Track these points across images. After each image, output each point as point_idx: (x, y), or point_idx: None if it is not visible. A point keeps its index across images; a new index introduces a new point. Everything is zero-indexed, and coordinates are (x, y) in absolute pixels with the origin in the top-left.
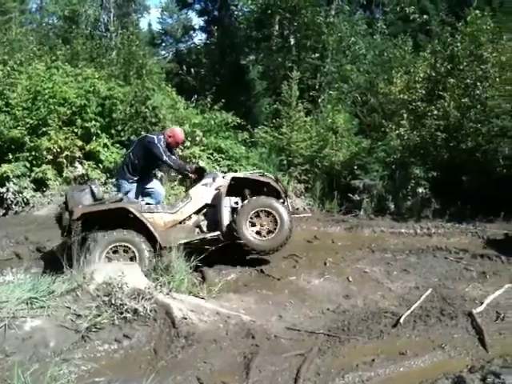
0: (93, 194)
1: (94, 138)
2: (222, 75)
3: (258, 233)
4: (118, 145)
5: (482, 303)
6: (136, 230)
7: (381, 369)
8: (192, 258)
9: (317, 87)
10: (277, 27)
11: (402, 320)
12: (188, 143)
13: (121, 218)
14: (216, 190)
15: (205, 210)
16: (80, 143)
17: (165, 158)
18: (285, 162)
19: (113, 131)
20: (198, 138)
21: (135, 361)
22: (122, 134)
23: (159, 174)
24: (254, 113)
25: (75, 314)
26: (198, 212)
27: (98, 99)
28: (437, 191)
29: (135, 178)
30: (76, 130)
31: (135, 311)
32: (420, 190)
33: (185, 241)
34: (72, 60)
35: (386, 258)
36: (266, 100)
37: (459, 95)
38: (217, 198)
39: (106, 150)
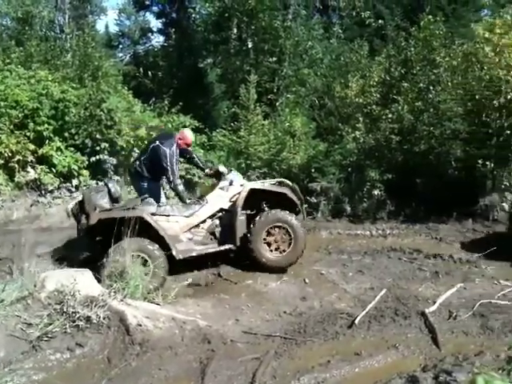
0: (109, 193)
1: (47, 141)
2: (180, 78)
3: (272, 248)
4: (71, 148)
5: (434, 303)
6: (152, 237)
7: (336, 370)
8: (147, 264)
9: (275, 91)
10: (235, 30)
11: (357, 321)
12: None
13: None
14: (233, 196)
15: (219, 214)
16: (32, 147)
17: (172, 179)
18: (243, 165)
19: (66, 134)
20: None
21: (88, 370)
22: (76, 137)
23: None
24: (213, 116)
25: (26, 322)
26: (212, 216)
27: (51, 102)
28: (392, 193)
29: (154, 178)
30: (28, 134)
31: (88, 319)
32: (375, 192)
33: (199, 254)
34: (26, 62)
35: (342, 259)
36: (225, 103)
37: (413, 99)
38: (233, 207)
39: (59, 153)
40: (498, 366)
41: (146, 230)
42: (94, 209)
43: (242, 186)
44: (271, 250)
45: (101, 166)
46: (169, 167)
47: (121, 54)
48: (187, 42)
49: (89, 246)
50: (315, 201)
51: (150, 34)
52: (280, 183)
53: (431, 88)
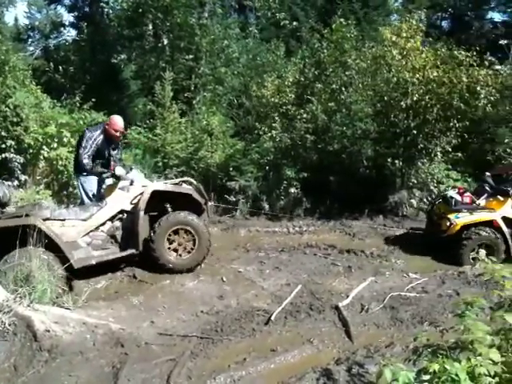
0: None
1: None
2: (93, 73)
3: (176, 251)
4: None
5: (347, 296)
6: (47, 246)
7: (252, 367)
8: (56, 266)
9: (192, 89)
10: (150, 26)
11: (273, 317)
12: (55, 144)
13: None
14: (134, 198)
15: (120, 216)
16: None
17: (80, 158)
18: (160, 163)
19: None
20: (65, 139)
21: None
22: None
23: None
24: (128, 113)
25: None
26: (112, 218)
27: None
28: (307, 191)
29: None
30: None
31: None
32: (292, 190)
33: (99, 261)
34: None
35: (260, 256)
36: (141, 100)
37: (326, 99)
38: (134, 209)
39: None
40: (406, 357)
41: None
42: None
43: (144, 186)
44: (176, 254)
45: (7, 165)
46: (81, 148)
47: (31, 48)
48: (100, 36)
49: None
50: (233, 199)
51: (61, 28)
52: (184, 182)
53: (343, 89)
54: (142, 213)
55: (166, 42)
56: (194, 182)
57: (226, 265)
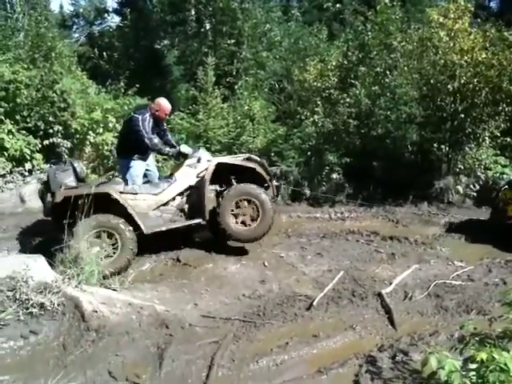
0: (75, 172)
1: None
2: (137, 59)
3: (241, 221)
4: (24, 131)
5: (390, 284)
6: (120, 214)
7: (294, 351)
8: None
9: (233, 73)
10: (192, 12)
11: (315, 303)
12: (100, 129)
13: (106, 201)
14: (201, 172)
15: (188, 191)
16: None
17: (146, 140)
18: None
19: (18, 117)
20: (110, 125)
21: (43, 357)
22: (28, 119)
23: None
24: (171, 98)
25: None
26: (181, 194)
27: (1, 83)
28: (350, 177)
29: (126, 152)
30: None
31: (42, 306)
32: (334, 175)
33: (168, 228)
34: None
35: (302, 242)
36: (183, 86)
37: (370, 83)
38: (200, 182)
39: (11, 137)
40: (451, 346)
41: (113, 209)
42: (59, 187)
43: (209, 161)
44: (238, 223)
45: (54, 150)
46: (141, 128)
47: (76, 35)
48: (143, 22)
49: (43, 232)
50: (276, 184)
51: (105, 15)
52: (248, 159)
53: (388, 72)
54: (207, 183)
55: (208, 27)
56: (258, 159)
57: (267, 250)
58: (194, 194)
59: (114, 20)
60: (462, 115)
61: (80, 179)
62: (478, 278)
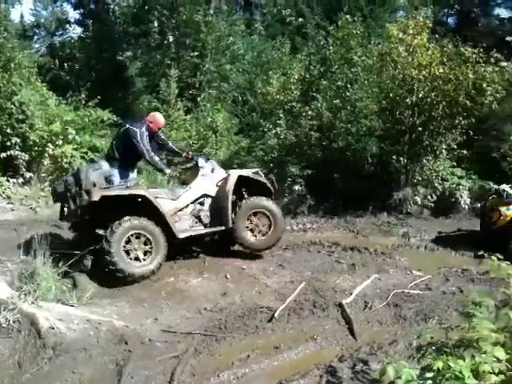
0: (103, 174)
1: None
2: (99, 71)
3: (253, 231)
4: None
5: (351, 294)
6: (149, 217)
7: (256, 364)
8: (60, 264)
9: (197, 86)
10: (155, 24)
11: (276, 314)
12: (60, 141)
13: (135, 204)
14: (219, 182)
15: (201, 199)
16: None
17: (147, 158)
18: (165, 160)
19: None
20: (70, 136)
21: None
22: None
23: None
24: (133, 110)
25: None
26: (194, 201)
27: None
28: (312, 188)
29: (126, 161)
30: None
31: None
32: (296, 187)
33: (197, 234)
34: None
35: (264, 254)
36: (146, 97)
37: (331, 96)
38: (221, 192)
39: None
40: (409, 354)
41: (142, 212)
42: (93, 185)
43: (227, 173)
44: (252, 235)
45: (12, 162)
46: (140, 144)
47: (37, 45)
48: (106, 34)
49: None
50: None
51: (67, 25)
52: (256, 173)
53: (348, 86)
54: (231, 193)
55: (171, 39)
56: (262, 175)
57: (229, 262)
58: (211, 202)
59: (75, 31)
60: (420, 128)
61: (108, 181)
62: (436, 287)
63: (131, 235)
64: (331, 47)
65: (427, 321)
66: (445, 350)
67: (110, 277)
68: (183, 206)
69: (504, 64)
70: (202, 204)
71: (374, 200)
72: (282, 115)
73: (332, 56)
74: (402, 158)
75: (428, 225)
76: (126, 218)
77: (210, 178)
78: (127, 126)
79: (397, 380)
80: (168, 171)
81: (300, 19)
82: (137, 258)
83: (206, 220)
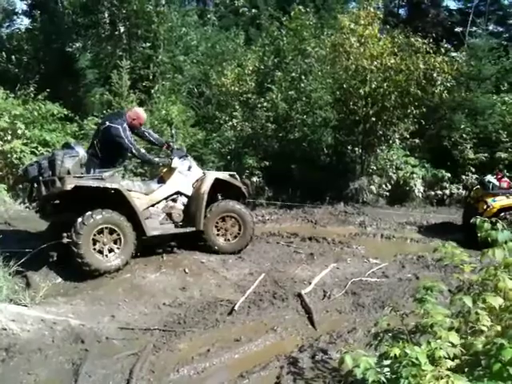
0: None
1: None
2: (48, 63)
3: (223, 234)
4: None
5: (310, 284)
6: (120, 211)
7: (216, 358)
8: (11, 263)
9: (150, 77)
10: (106, 14)
11: (236, 307)
12: (9, 137)
13: (106, 196)
14: (195, 182)
15: (174, 196)
16: None
17: (134, 151)
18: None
19: None
20: (19, 131)
21: None
22: None
23: None
24: (85, 103)
25: None
26: (167, 198)
27: None
28: (270, 180)
29: (109, 159)
30: None
31: None
32: (254, 179)
33: (165, 233)
34: None
35: None
36: (98, 90)
37: (286, 88)
38: (197, 192)
39: None
40: (368, 342)
41: (113, 205)
42: (67, 173)
43: (203, 173)
44: (222, 238)
45: None
46: (125, 140)
47: None
48: (54, 25)
49: None
50: None
51: (14, 17)
52: (232, 176)
53: (303, 77)
54: (206, 196)
55: (122, 29)
56: (238, 178)
57: (188, 256)
58: (184, 201)
59: (23, 22)
60: (374, 118)
61: (82, 166)
62: (392, 274)
63: (101, 229)
64: (285, 38)
65: (384, 308)
66: (401, 336)
67: (70, 272)
68: (156, 201)
69: (453, 54)
70: (174, 201)
71: (331, 190)
72: (237, 107)
73: (286, 47)
74: (356, 148)
75: (383, 213)
76: (98, 210)
77: (185, 176)
78: (107, 123)
79: (355, 368)
80: (157, 160)
81: (254, 10)
82: (104, 252)
83: (178, 218)
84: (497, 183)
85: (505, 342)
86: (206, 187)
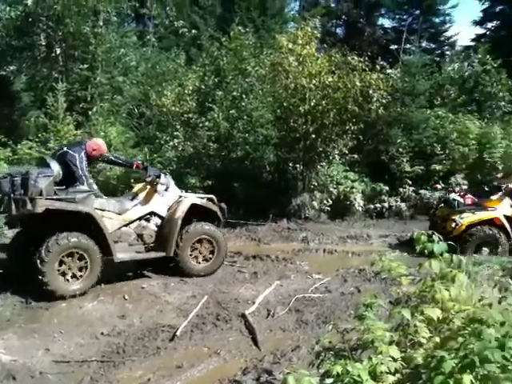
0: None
1: None
2: None
3: (197, 258)
4: None
5: (253, 303)
6: (91, 233)
7: None
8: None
9: (88, 99)
10: (41, 36)
11: (178, 332)
12: None
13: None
14: (172, 206)
15: (147, 216)
16: None
17: (86, 185)
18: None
19: None
20: None
21: None
22: None
23: None
24: (21, 127)
25: None
26: (141, 218)
27: None
28: None
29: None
30: None
31: None
32: None
33: (133, 258)
34: None
35: (165, 269)
36: (33, 113)
37: (227, 107)
38: (171, 216)
39: None
40: (312, 359)
41: (82, 227)
42: (40, 193)
43: (180, 196)
44: (196, 261)
45: None
46: (79, 170)
47: None
48: None
49: None
50: None
51: None
52: (210, 199)
53: (244, 96)
54: (180, 222)
55: (59, 51)
56: (215, 201)
57: (128, 282)
58: (157, 223)
59: None
60: (314, 135)
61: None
62: (335, 289)
63: (67, 254)
64: (225, 58)
65: (328, 324)
66: (343, 353)
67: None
68: (129, 221)
69: (388, 71)
70: (147, 221)
71: (274, 207)
72: (178, 127)
73: (226, 67)
74: (298, 165)
75: (325, 228)
76: (64, 234)
77: (161, 196)
78: (65, 149)
79: None
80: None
81: (194, 31)
82: (66, 276)
83: (149, 240)
84: (461, 200)
85: (445, 354)
86: (181, 213)
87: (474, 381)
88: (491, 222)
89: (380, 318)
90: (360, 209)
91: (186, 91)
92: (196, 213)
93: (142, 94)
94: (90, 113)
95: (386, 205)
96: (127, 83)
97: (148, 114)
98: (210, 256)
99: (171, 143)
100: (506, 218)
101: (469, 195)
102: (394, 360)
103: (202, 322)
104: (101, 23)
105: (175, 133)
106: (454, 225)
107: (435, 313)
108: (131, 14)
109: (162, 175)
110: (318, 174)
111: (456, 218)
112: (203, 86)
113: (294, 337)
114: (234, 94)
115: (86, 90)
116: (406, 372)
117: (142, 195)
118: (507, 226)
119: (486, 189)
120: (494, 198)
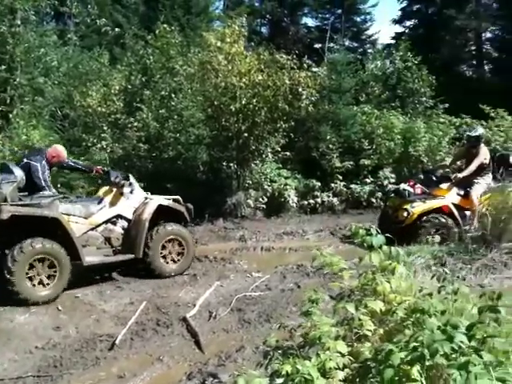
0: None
1: None
2: None
3: (165, 258)
4: None
5: (194, 305)
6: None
7: None
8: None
9: (7, 102)
10: None
11: (117, 341)
12: None
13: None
14: (138, 208)
15: (114, 219)
16: None
17: (47, 193)
18: None
19: None
20: None
21: None
22: None
23: None
24: None
25: None
26: (107, 221)
27: None
28: None
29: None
30: None
31: None
32: None
33: (102, 262)
34: None
35: (99, 276)
36: None
37: (156, 107)
38: (138, 218)
39: None
40: (257, 358)
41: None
42: (4, 200)
43: (146, 198)
44: (165, 261)
45: None
46: (41, 180)
47: None
48: None
49: None
50: None
51: None
52: (176, 200)
53: (173, 95)
54: (147, 223)
55: None
56: (181, 202)
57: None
58: (125, 225)
59: None
60: (246, 134)
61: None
62: (275, 286)
63: (34, 260)
64: (151, 57)
65: (270, 321)
66: (291, 352)
67: None
68: (95, 225)
69: (315, 69)
70: (114, 224)
71: (210, 207)
72: (106, 128)
73: (153, 65)
74: (232, 164)
75: (262, 226)
76: (28, 241)
77: (127, 198)
78: (25, 160)
79: None
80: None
81: (117, 29)
82: (40, 283)
83: (116, 243)
84: (412, 190)
85: (393, 347)
86: (147, 214)
87: (420, 371)
88: (441, 210)
89: (322, 312)
90: (294, 205)
91: (112, 91)
92: (162, 214)
93: (65, 95)
94: (10, 116)
95: (318, 200)
96: (49, 84)
97: (72, 115)
98: (180, 256)
99: (99, 145)
100: (455, 205)
101: (418, 185)
102: (342, 355)
103: (142, 328)
104: (18, 22)
105: (102, 134)
106: (405, 214)
107: (378, 305)
108: (50, 12)
109: (131, 177)
110: (252, 173)
111: (407, 207)
112: (130, 86)
113: (237, 337)
114: (163, 93)
115: (4, 92)
116: (355, 367)
117: (107, 198)
118: (456, 213)
119: (434, 178)
120: (443, 186)
